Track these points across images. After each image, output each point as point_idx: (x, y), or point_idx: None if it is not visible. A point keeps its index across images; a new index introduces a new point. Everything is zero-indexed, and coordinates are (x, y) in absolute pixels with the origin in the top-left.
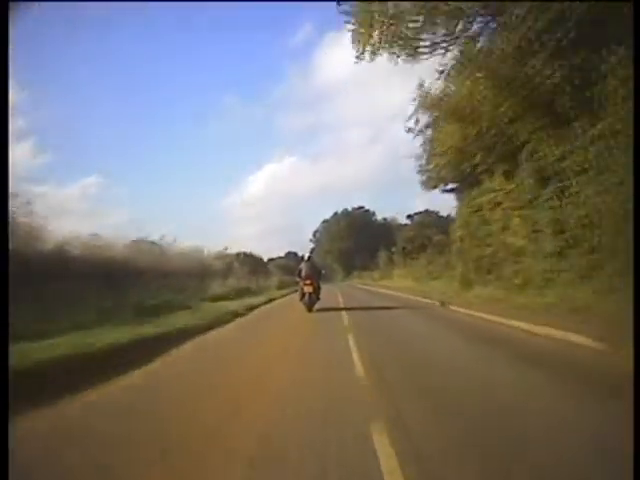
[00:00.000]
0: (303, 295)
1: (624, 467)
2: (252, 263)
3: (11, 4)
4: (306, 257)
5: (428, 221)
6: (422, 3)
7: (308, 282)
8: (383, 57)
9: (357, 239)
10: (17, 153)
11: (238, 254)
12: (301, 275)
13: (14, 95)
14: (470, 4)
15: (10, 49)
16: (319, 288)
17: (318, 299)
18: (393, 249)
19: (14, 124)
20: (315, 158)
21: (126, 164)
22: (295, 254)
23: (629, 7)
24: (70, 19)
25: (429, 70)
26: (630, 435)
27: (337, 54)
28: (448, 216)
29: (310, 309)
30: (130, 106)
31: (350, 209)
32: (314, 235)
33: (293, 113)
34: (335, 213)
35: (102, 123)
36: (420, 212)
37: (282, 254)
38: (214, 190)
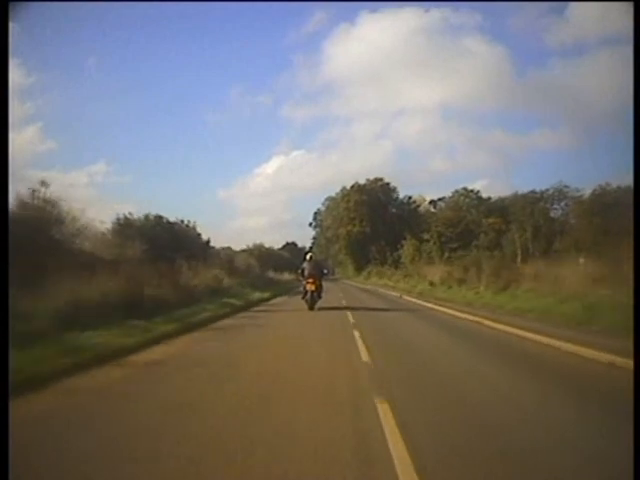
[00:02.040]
0: (305, 293)
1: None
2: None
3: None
4: (308, 257)
5: (467, 203)
6: None
7: (311, 281)
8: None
9: (373, 223)
10: (24, 137)
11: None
12: (304, 274)
13: (22, 79)
14: None
15: (18, 35)
16: (322, 287)
17: (320, 298)
18: (427, 235)
19: (21, 108)
20: (322, 151)
21: (131, 154)
22: (295, 245)
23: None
24: (80, 8)
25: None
26: (630, 435)
27: (347, 46)
28: (489, 198)
29: (312, 307)
30: (137, 95)
31: (364, 182)
32: (314, 218)
33: (300, 105)
34: (343, 188)
35: (109, 111)
36: (456, 191)
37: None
38: (219, 182)
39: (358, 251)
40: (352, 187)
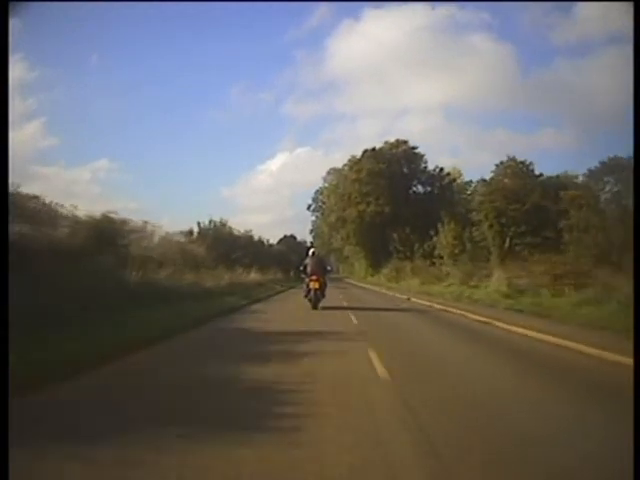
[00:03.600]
0: (308, 292)
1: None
2: None
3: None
4: (311, 252)
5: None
6: None
7: (314, 278)
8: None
9: (394, 201)
10: (26, 133)
11: None
12: (306, 271)
13: (25, 75)
14: None
15: (21, 31)
16: (325, 285)
17: (324, 296)
18: (476, 216)
19: (23, 104)
20: (326, 149)
21: (134, 151)
22: (294, 238)
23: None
24: (83, 5)
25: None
26: (630, 435)
27: (350, 43)
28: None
29: (315, 306)
30: (139, 92)
31: (382, 145)
32: (314, 199)
33: (303, 102)
34: (352, 158)
35: (112, 108)
36: (501, 162)
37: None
38: (222, 180)
39: (373, 240)
40: (365, 153)
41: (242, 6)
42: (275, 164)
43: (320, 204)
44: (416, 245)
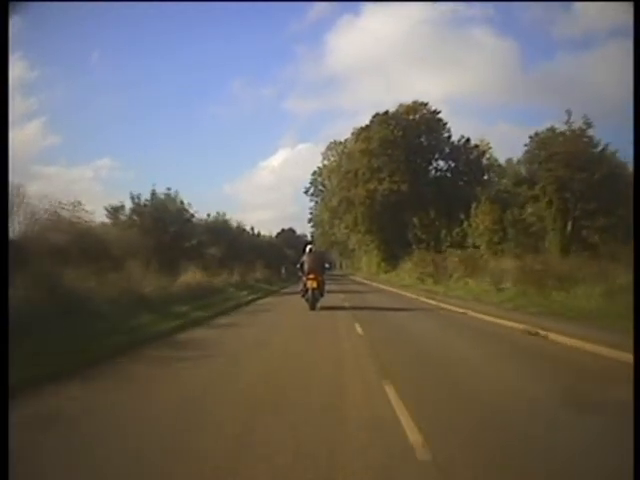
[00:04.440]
0: (306, 291)
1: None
2: None
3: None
4: (308, 249)
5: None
6: None
7: (312, 277)
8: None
9: (413, 178)
10: (27, 132)
11: None
12: (303, 268)
13: (25, 73)
14: None
15: (21, 29)
16: (323, 283)
17: (322, 296)
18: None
19: (24, 103)
20: (329, 145)
21: (135, 149)
22: (293, 231)
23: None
24: (84, 3)
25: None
26: (630, 435)
27: (351, 37)
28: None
29: (313, 307)
30: (140, 89)
31: (396, 109)
32: (313, 182)
33: (304, 98)
34: (356, 130)
35: (113, 106)
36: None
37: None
38: (225, 176)
39: (388, 226)
40: (374, 119)
41: (242, 2)
42: (277, 160)
43: (319, 187)
44: (444, 232)
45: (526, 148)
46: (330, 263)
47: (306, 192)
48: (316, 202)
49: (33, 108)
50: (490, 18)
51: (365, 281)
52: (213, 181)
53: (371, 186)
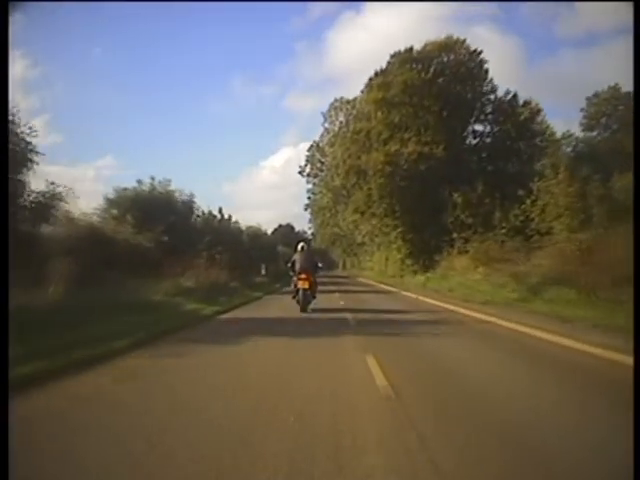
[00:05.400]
0: (297, 291)
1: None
2: None
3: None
4: (300, 247)
5: None
6: None
7: (303, 277)
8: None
9: (451, 139)
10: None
11: None
12: (294, 268)
13: (28, 71)
14: None
15: (23, 27)
16: (316, 284)
17: (314, 297)
18: None
19: (26, 101)
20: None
21: (137, 147)
22: (291, 227)
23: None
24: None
25: None
26: (630, 434)
27: (352, 35)
28: None
29: (304, 309)
30: (142, 86)
31: (422, 46)
32: (309, 158)
33: (306, 95)
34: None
35: (114, 104)
36: None
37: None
38: (225, 174)
39: (416, 207)
40: (394, 58)
41: (243, 1)
42: (279, 159)
43: (318, 164)
44: (496, 214)
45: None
46: (321, 263)
47: (301, 172)
48: (314, 184)
49: (35, 106)
50: (494, 15)
51: (389, 288)
52: (214, 180)
53: (391, 149)
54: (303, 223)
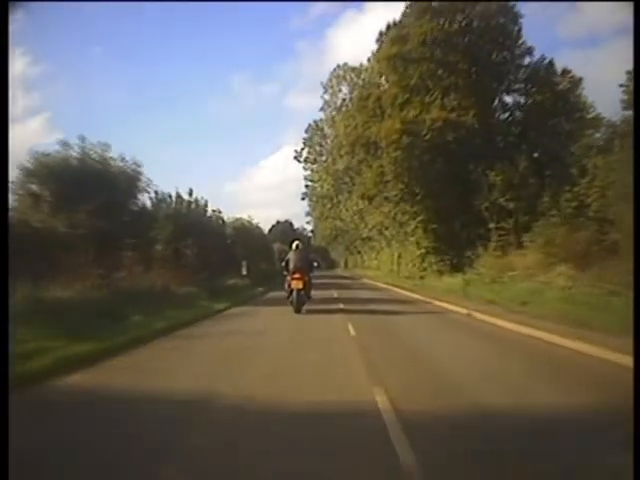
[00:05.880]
0: (291, 292)
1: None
2: None
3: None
4: (294, 245)
5: None
6: None
7: (297, 276)
8: None
9: (482, 106)
10: (30, 128)
11: None
12: (288, 267)
13: (28, 69)
14: None
15: (25, 24)
16: (310, 283)
17: (309, 297)
18: None
19: (26, 99)
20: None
21: (139, 146)
22: (290, 224)
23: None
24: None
25: None
26: (630, 434)
27: (353, 33)
28: None
29: (299, 310)
30: (143, 85)
31: None
32: (307, 140)
33: (307, 94)
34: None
35: (115, 102)
36: None
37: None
38: (226, 174)
39: (441, 188)
40: (409, 8)
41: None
42: (280, 158)
43: (317, 147)
44: (545, 199)
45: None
46: (320, 262)
47: (297, 157)
48: (312, 170)
49: (36, 104)
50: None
51: (411, 295)
52: (217, 179)
53: (409, 114)
54: (305, 221)
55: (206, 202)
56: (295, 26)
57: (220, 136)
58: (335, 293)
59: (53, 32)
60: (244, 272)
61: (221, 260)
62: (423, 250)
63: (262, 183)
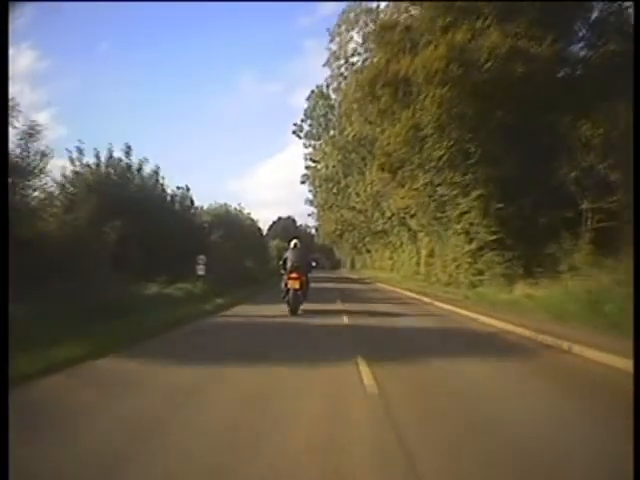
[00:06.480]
0: (287, 292)
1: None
2: None
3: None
4: (292, 244)
5: None
6: None
7: (294, 276)
8: None
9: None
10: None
11: None
12: (285, 266)
13: (35, 64)
14: None
15: (31, 19)
16: (308, 284)
17: (305, 298)
18: None
19: (34, 94)
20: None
21: (144, 142)
22: (293, 221)
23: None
24: None
25: None
26: (630, 434)
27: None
28: None
29: (295, 311)
30: (149, 82)
31: None
32: (307, 114)
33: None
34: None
35: (120, 99)
36: None
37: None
38: (231, 172)
39: (510, 149)
40: None
41: None
42: (286, 157)
43: (321, 119)
44: None
45: None
46: (321, 261)
47: (296, 132)
48: (314, 148)
49: (42, 99)
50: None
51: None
52: (223, 177)
53: (458, 37)
54: (307, 214)
55: (157, 169)
56: (302, 25)
57: (226, 134)
58: (340, 304)
59: (60, 27)
60: (201, 273)
61: (180, 254)
62: (478, 244)
63: (268, 182)
